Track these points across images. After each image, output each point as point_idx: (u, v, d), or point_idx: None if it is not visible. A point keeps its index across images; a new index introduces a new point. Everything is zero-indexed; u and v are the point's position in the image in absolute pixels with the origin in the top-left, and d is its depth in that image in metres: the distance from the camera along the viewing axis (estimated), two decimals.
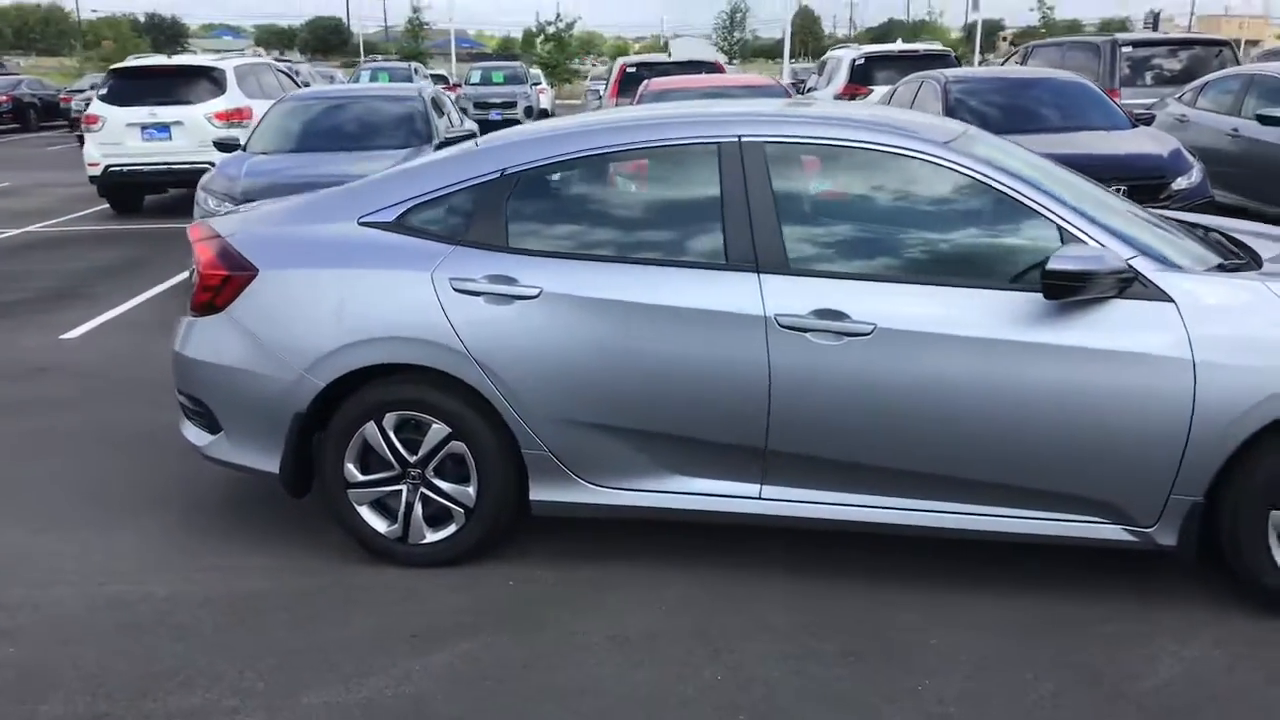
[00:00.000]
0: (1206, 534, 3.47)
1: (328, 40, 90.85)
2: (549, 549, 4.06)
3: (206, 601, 3.76)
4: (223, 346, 3.94)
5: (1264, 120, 9.68)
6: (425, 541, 3.91)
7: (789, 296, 3.54)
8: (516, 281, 3.70)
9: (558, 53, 43.88)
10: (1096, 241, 3.44)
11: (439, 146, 9.36)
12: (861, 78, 14.61)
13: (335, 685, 3.25)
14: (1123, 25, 66.99)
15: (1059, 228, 3.49)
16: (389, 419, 3.82)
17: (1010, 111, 9.21)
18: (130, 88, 13.07)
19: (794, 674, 3.26)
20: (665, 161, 3.82)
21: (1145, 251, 3.48)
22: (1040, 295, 3.40)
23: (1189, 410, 3.32)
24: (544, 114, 28.26)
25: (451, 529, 3.90)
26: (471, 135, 10.19)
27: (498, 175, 3.84)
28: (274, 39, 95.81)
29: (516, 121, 25.33)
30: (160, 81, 13.19)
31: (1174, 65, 13.76)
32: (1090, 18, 76.06)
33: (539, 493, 3.82)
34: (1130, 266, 3.38)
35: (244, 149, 9.52)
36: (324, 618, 3.64)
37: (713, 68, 14.34)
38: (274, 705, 3.15)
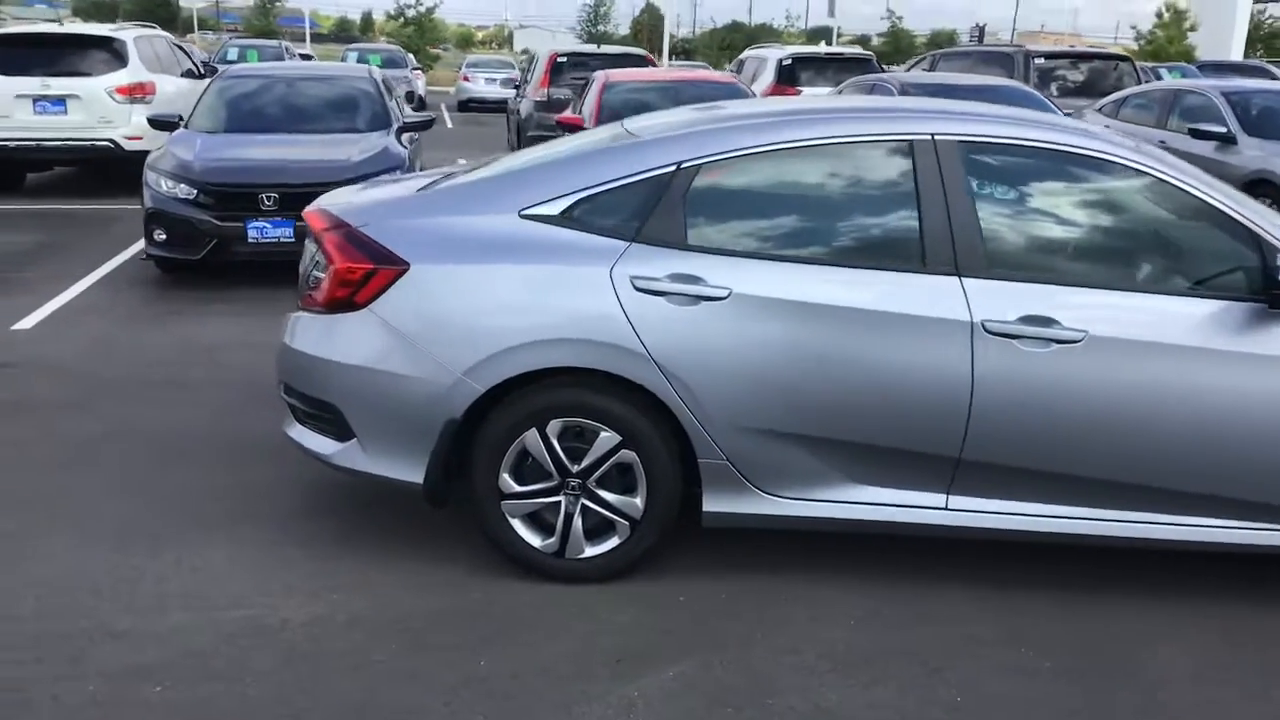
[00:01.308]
0: None
1: (155, 14, 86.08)
2: (705, 561, 3.86)
3: (354, 624, 3.44)
4: (362, 346, 3.60)
5: (1195, 134, 10.19)
6: (584, 556, 3.67)
7: (995, 301, 3.46)
8: (703, 281, 3.50)
9: (417, 38, 42.77)
10: None
11: (399, 131, 8.95)
12: (788, 78, 14.76)
13: (558, 715, 3.00)
14: (950, 38, 69.87)
15: (1255, 235, 3.51)
16: (553, 426, 3.57)
17: None
18: (17, 56, 11.99)
19: (1028, 691, 3.18)
20: (853, 157, 3.67)
21: None
22: (1245, 304, 3.43)
23: None
24: (421, 101, 27.35)
25: (613, 542, 3.67)
26: (430, 121, 9.79)
27: (674, 168, 3.62)
28: (94, 10, 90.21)
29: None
30: (53, 51, 12.16)
31: (1077, 77, 14.39)
32: (920, 29, 79.55)
33: (713, 504, 3.63)
34: None
35: (185, 126, 8.88)
36: (501, 640, 3.37)
37: (642, 61, 14.21)
38: None
